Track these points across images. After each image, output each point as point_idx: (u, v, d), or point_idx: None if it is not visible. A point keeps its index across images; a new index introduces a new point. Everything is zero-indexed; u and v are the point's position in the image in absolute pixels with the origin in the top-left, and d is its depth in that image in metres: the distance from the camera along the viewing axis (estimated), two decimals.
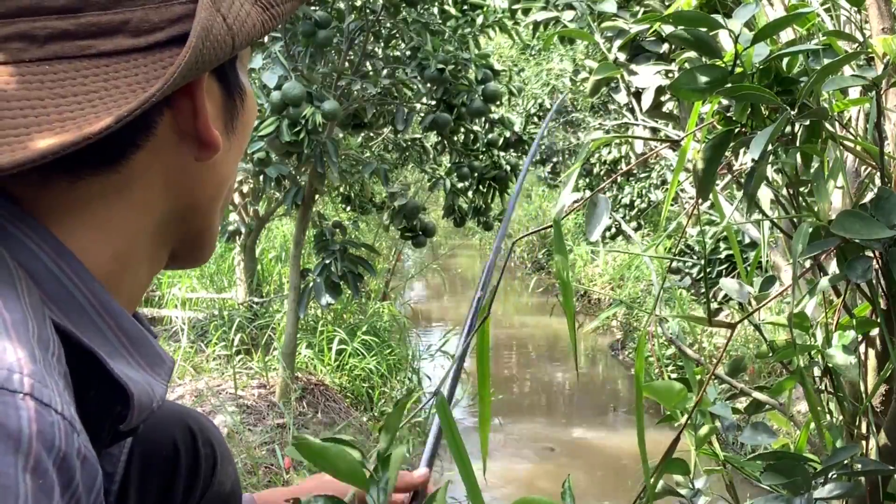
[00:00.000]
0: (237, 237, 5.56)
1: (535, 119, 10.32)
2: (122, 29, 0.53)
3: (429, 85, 3.83)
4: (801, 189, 0.89)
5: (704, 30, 0.79)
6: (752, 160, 0.76)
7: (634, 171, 8.60)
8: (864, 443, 0.87)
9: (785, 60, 0.81)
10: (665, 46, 1.81)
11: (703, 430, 0.89)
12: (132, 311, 0.61)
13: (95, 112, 0.51)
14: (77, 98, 0.51)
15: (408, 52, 3.95)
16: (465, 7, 4.01)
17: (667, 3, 1.87)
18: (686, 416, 0.91)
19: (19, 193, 0.54)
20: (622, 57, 1.83)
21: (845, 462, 0.79)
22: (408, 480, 0.89)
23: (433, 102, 4.00)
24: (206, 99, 0.58)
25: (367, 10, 3.65)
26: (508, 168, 4.35)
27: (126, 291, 0.59)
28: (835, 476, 0.80)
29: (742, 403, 1.01)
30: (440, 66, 3.69)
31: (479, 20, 4.04)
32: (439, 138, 4.37)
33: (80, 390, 0.53)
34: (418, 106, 4.11)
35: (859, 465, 0.80)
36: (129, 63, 0.53)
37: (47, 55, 0.51)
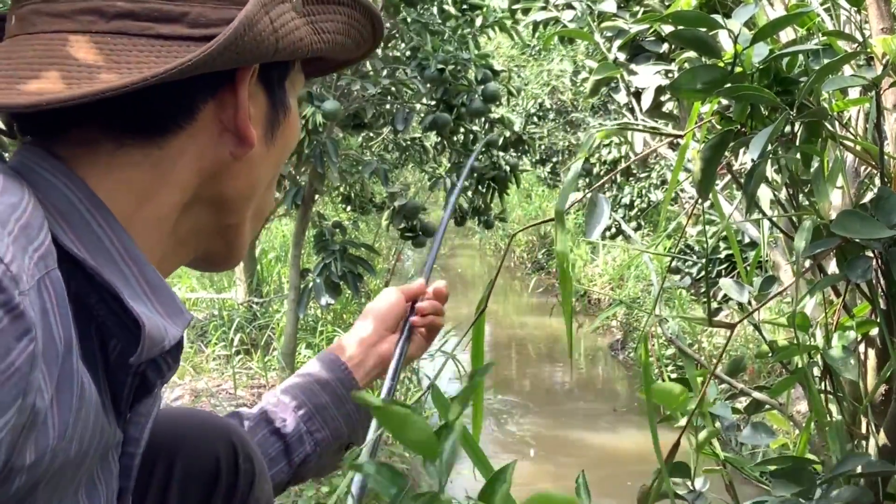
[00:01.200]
0: None
1: (535, 119, 10.32)
2: (181, 19, 0.59)
3: (428, 85, 3.83)
4: (801, 189, 0.89)
5: (704, 30, 0.78)
6: (752, 160, 0.76)
7: (634, 172, 8.60)
8: (864, 443, 0.87)
9: (785, 60, 0.81)
10: (665, 46, 1.80)
11: (704, 434, 0.89)
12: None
13: (131, 76, 0.56)
14: (129, 65, 0.57)
15: (407, 52, 3.95)
16: (465, 7, 4.01)
17: (667, 3, 1.86)
18: (687, 417, 0.91)
19: (65, 153, 0.59)
20: (622, 57, 1.83)
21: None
22: (409, 291, 1.02)
23: (433, 102, 4.00)
24: (248, 100, 0.64)
25: None
26: (508, 168, 4.36)
27: (153, 260, 0.63)
28: (840, 481, 0.80)
29: (742, 403, 1.01)
30: (440, 66, 3.69)
31: (479, 21, 4.04)
32: (439, 138, 4.37)
33: (103, 339, 0.58)
34: (418, 106, 4.11)
35: (859, 467, 0.80)
36: (182, 48, 0.59)
37: (112, 29, 0.58)
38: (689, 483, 0.93)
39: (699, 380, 0.91)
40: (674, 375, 5.44)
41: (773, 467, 0.83)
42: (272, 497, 0.87)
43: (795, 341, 0.85)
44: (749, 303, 0.96)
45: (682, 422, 0.93)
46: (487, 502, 0.52)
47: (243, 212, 0.70)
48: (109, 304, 0.57)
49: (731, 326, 0.87)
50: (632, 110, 1.77)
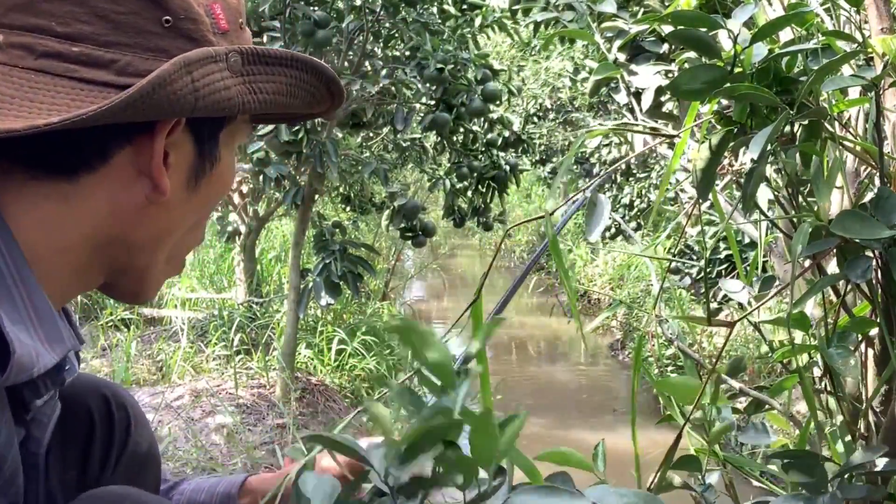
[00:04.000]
0: (237, 237, 5.56)
1: (535, 119, 10.32)
2: (109, 66, 0.61)
3: (428, 85, 3.83)
4: (801, 189, 0.89)
5: (704, 30, 0.79)
6: (752, 160, 0.76)
7: (634, 172, 8.61)
8: (864, 442, 0.87)
9: (784, 60, 0.81)
10: (665, 46, 1.80)
11: (718, 427, 0.89)
12: (57, 307, 0.67)
13: (40, 118, 0.58)
14: (41, 105, 0.59)
15: (407, 52, 3.95)
16: (465, 7, 4.01)
17: (666, 3, 1.87)
18: (690, 413, 0.91)
19: None
20: (622, 57, 1.83)
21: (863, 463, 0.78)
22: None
23: (432, 102, 4.00)
24: (170, 148, 0.66)
25: (367, 10, 3.65)
26: (508, 168, 4.35)
27: (53, 285, 0.65)
28: (852, 477, 0.79)
29: (742, 403, 1.01)
30: (439, 65, 3.69)
31: (478, 20, 4.04)
32: (439, 138, 4.37)
33: None
34: (417, 106, 4.11)
35: (875, 463, 0.79)
36: (101, 94, 0.60)
37: (37, 67, 0.60)
38: (698, 475, 0.92)
39: (705, 376, 0.91)
40: (673, 376, 5.43)
41: (785, 460, 0.82)
42: (155, 441, 0.89)
43: (793, 343, 0.85)
44: (749, 302, 0.96)
45: (687, 419, 0.93)
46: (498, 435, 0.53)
47: (155, 253, 0.71)
48: None
49: (730, 325, 0.87)
50: (632, 110, 1.77)
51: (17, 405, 0.62)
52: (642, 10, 2.02)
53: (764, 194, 0.95)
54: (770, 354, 0.94)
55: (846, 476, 0.78)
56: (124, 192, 0.65)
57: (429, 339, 0.50)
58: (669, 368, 5.42)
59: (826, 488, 0.77)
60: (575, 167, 9.88)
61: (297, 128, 3.34)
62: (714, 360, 0.87)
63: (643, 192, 8.70)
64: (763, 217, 0.95)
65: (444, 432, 0.50)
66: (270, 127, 3.37)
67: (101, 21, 0.61)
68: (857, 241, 0.73)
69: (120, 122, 0.60)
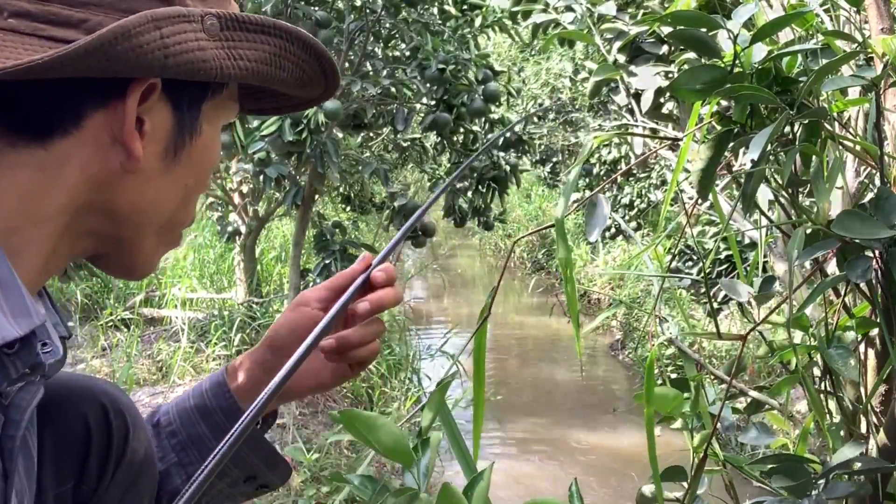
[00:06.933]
0: (237, 237, 5.56)
1: (535, 119, 10.32)
2: (79, 26, 0.60)
3: (429, 85, 3.83)
4: (800, 189, 0.89)
5: (703, 30, 0.79)
6: (752, 160, 0.76)
7: (634, 172, 8.61)
8: (863, 443, 0.87)
9: (784, 60, 0.81)
10: (664, 48, 1.80)
11: (699, 437, 0.89)
12: (38, 280, 0.66)
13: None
14: (6, 61, 0.58)
15: (408, 53, 3.96)
16: (465, 7, 4.01)
17: (666, 6, 1.86)
18: (684, 419, 0.91)
19: None
20: (622, 58, 1.83)
21: (848, 461, 0.79)
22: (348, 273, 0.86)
23: (433, 102, 4.00)
24: (146, 114, 0.64)
25: (367, 10, 3.65)
26: (508, 168, 4.36)
27: (33, 257, 0.64)
28: (836, 476, 0.80)
29: (742, 403, 1.01)
30: (440, 66, 3.70)
31: (479, 21, 4.05)
32: (439, 138, 4.37)
33: None
34: (418, 106, 4.11)
35: (859, 464, 0.80)
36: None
37: (5, 27, 0.60)
38: (685, 485, 0.93)
39: (707, 388, 0.91)
40: (674, 376, 5.43)
41: (770, 466, 0.83)
42: (150, 442, 0.86)
43: (793, 343, 0.85)
44: (749, 303, 0.96)
45: (678, 423, 0.93)
46: (467, 498, 0.52)
47: (142, 227, 0.70)
48: None
49: (742, 338, 0.87)
50: (631, 111, 1.77)
51: None
52: (642, 11, 2.01)
53: (764, 194, 0.95)
54: (770, 354, 0.94)
55: (830, 476, 0.78)
56: (98, 159, 0.65)
57: (375, 424, 0.49)
58: (669, 368, 5.41)
59: (810, 491, 0.77)
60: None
61: (300, 128, 3.34)
62: (710, 362, 0.87)
63: (643, 192, 8.70)
64: (768, 222, 0.95)
65: None
66: (274, 127, 3.37)
67: None
68: (857, 241, 0.73)
69: (83, 74, 0.59)
